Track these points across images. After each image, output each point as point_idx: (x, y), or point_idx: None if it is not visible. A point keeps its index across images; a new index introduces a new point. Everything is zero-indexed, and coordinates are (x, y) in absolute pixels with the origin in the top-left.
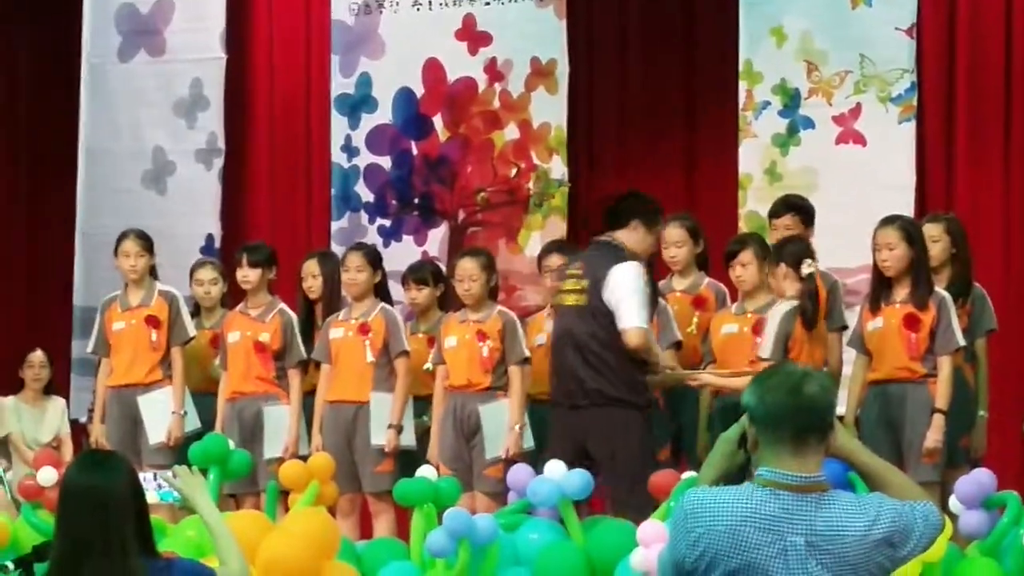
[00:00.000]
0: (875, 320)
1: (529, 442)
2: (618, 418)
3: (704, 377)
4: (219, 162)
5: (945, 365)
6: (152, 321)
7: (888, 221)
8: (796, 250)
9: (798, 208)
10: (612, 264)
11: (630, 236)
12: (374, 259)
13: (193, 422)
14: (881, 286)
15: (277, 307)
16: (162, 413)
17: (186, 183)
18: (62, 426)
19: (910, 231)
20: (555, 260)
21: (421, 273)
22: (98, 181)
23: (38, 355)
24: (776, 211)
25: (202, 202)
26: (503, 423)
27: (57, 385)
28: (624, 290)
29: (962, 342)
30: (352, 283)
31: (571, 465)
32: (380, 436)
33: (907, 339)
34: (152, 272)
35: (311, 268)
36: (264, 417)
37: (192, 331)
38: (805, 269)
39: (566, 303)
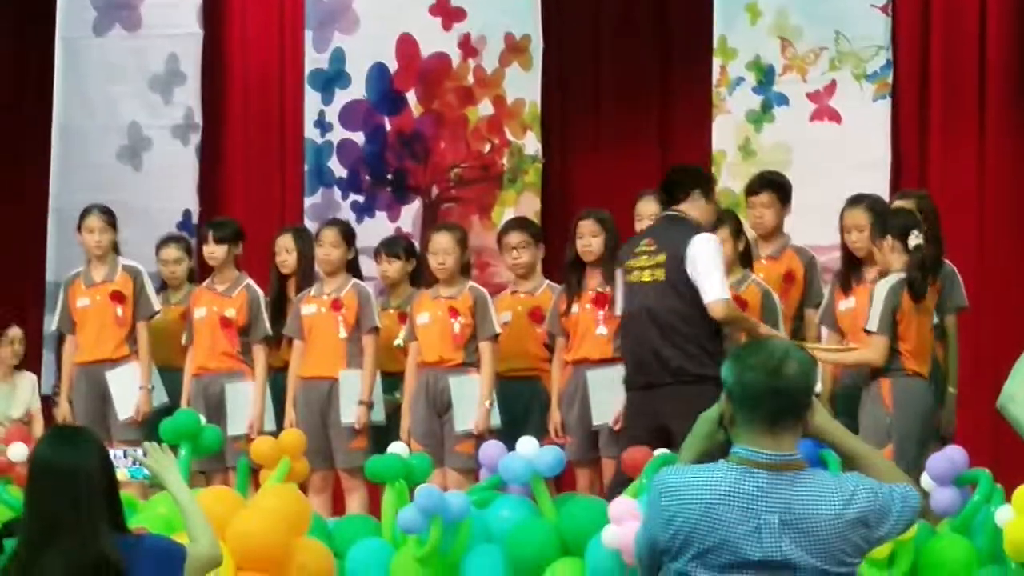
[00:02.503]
0: (847, 300)
1: (496, 419)
2: (703, 395)
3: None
4: (196, 138)
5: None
6: (117, 296)
7: (856, 201)
8: (903, 222)
9: (776, 185)
10: (687, 236)
11: (692, 207)
12: (348, 235)
13: (160, 397)
14: (851, 265)
15: (244, 283)
16: (130, 388)
17: (162, 159)
18: (33, 401)
19: (878, 210)
20: (515, 238)
21: (394, 247)
22: (73, 157)
23: (16, 331)
24: (753, 188)
25: (179, 178)
26: (472, 397)
27: (28, 360)
28: (704, 262)
29: (872, 328)
30: (326, 259)
31: (649, 446)
32: (350, 414)
33: None
34: (115, 248)
35: (285, 243)
36: (227, 393)
37: (157, 305)
38: (913, 240)
39: (643, 280)
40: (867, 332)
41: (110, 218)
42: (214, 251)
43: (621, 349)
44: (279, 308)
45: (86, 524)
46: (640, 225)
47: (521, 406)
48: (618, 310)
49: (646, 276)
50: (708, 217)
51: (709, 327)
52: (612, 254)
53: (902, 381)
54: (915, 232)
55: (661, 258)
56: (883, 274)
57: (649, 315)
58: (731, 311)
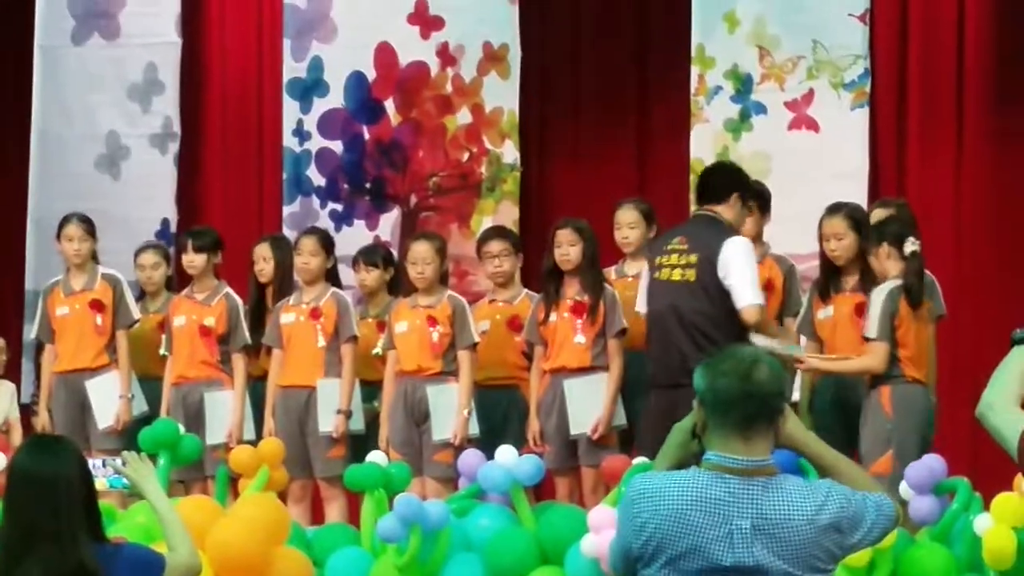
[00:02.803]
0: (825, 308)
1: (474, 428)
2: None
3: (811, 362)
4: (174, 147)
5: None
6: (96, 305)
7: (834, 210)
8: (898, 229)
9: (755, 194)
10: (721, 239)
11: (728, 210)
12: (327, 244)
13: (140, 406)
14: (830, 274)
15: (223, 291)
16: (110, 397)
17: (141, 168)
18: (11, 411)
19: (857, 219)
20: (495, 246)
21: (372, 255)
22: (51, 166)
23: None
24: None
25: (157, 187)
26: (450, 406)
27: (8, 369)
28: (738, 267)
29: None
30: (305, 268)
31: None
32: (328, 423)
33: (859, 327)
34: (94, 257)
35: (263, 252)
36: (206, 402)
37: (137, 314)
38: (909, 247)
39: (672, 279)
40: (866, 339)
41: (89, 227)
42: (193, 260)
43: (646, 347)
44: (258, 317)
45: (65, 533)
46: (620, 234)
47: (500, 415)
48: (640, 307)
49: (676, 275)
50: (740, 223)
51: (735, 331)
52: (590, 263)
53: (902, 388)
54: (911, 239)
55: (693, 258)
56: (876, 282)
57: (676, 315)
58: (762, 318)
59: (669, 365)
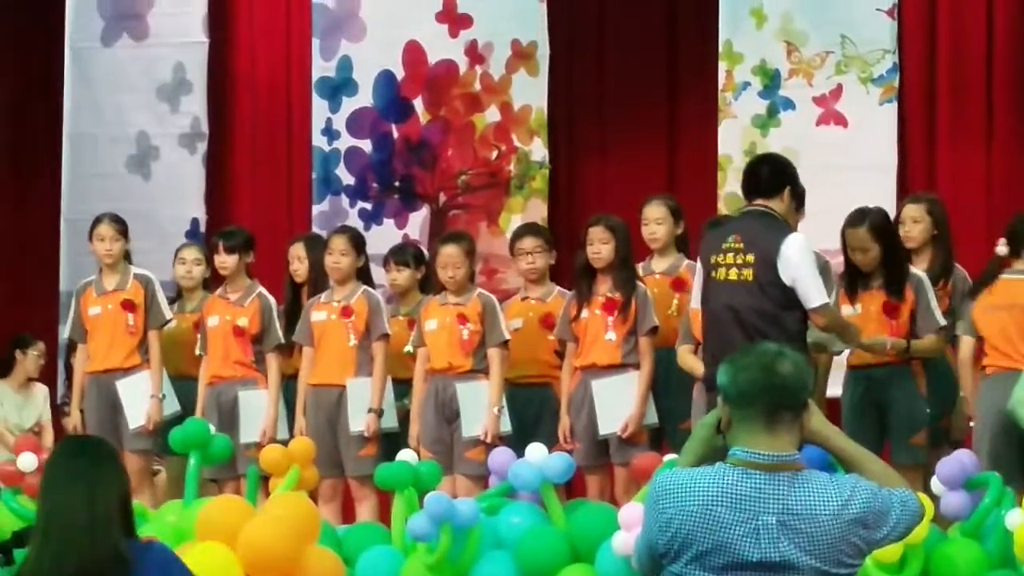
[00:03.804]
0: (853, 307)
1: (506, 426)
2: None
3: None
4: (203, 146)
5: (931, 338)
6: (128, 305)
7: (857, 222)
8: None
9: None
10: (779, 237)
11: (781, 204)
12: (358, 243)
13: (172, 406)
14: (854, 277)
15: (256, 291)
16: (141, 397)
17: (170, 168)
18: (44, 412)
19: (880, 228)
20: (528, 243)
21: (403, 255)
22: (82, 166)
23: (41, 345)
24: None
25: (186, 186)
26: (480, 403)
27: (42, 370)
28: (805, 266)
29: (943, 322)
30: (336, 266)
31: None
32: (359, 422)
33: (888, 325)
34: (127, 256)
35: (297, 251)
36: (240, 401)
37: (168, 314)
38: (1000, 249)
39: (729, 279)
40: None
41: (121, 226)
42: (225, 261)
43: (703, 346)
44: (293, 316)
45: (100, 525)
46: (647, 230)
47: (532, 413)
48: (695, 302)
49: (732, 275)
50: (793, 219)
51: (793, 330)
52: (622, 260)
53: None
54: (1001, 240)
55: (750, 258)
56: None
57: (734, 315)
58: (833, 317)
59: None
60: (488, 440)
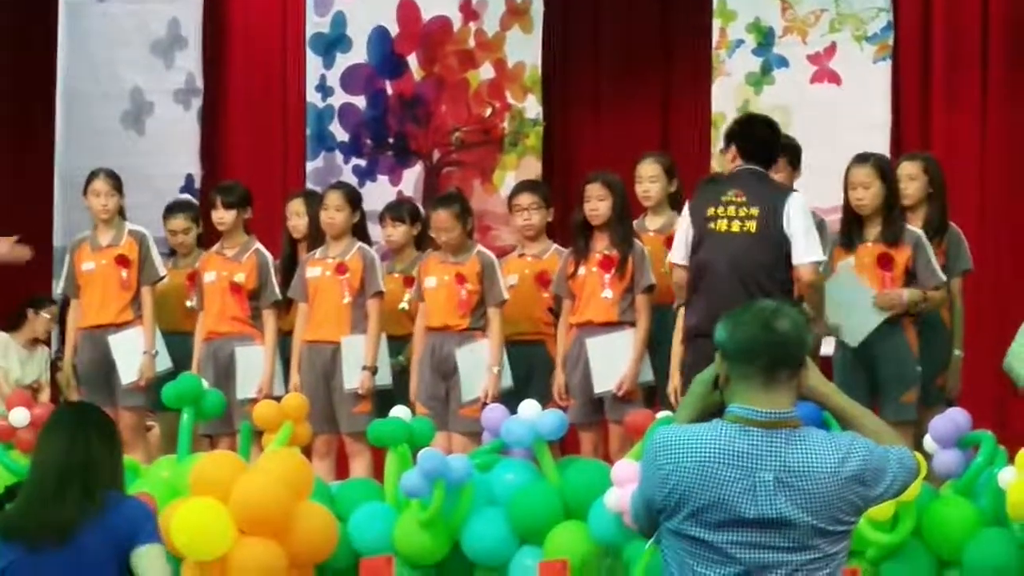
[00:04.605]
0: (848, 259)
1: (507, 381)
2: None
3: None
4: (197, 102)
5: (933, 294)
6: (122, 261)
7: (862, 159)
8: None
9: (786, 148)
10: (783, 194)
11: (777, 173)
12: (353, 198)
13: (164, 362)
14: (852, 225)
15: (253, 247)
16: (134, 353)
17: (165, 124)
18: (44, 372)
19: (884, 169)
20: (525, 199)
21: (399, 211)
22: (77, 122)
23: (53, 309)
24: None
25: (181, 142)
26: (479, 365)
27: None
28: (805, 222)
29: (943, 278)
30: (330, 222)
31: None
32: (353, 379)
33: (881, 278)
34: (121, 212)
35: (296, 207)
36: (237, 357)
37: (162, 271)
38: None
39: (732, 230)
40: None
41: (116, 182)
42: (223, 216)
43: (696, 297)
44: (289, 272)
45: (68, 480)
46: (640, 188)
47: (525, 370)
48: (678, 258)
49: (735, 227)
50: (791, 178)
51: (785, 285)
52: (620, 217)
53: None
54: None
55: (754, 211)
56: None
57: (732, 265)
58: (819, 277)
59: (720, 316)
60: (488, 401)
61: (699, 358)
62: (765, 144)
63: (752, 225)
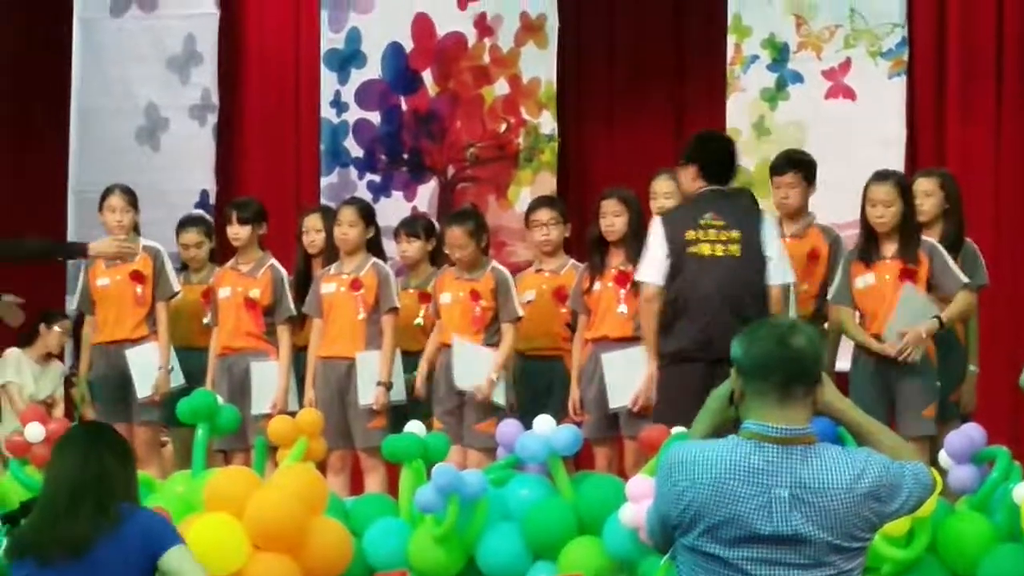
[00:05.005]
0: (866, 275)
1: (500, 397)
2: None
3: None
4: (213, 118)
5: (959, 297)
6: (137, 276)
7: (883, 177)
8: None
9: (801, 164)
10: (758, 214)
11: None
12: (367, 214)
13: (177, 379)
14: (870, 241)
15: (267, 263)
16: (150, 368)
17: (179, 139)
18: (58, 387)
19: (904, 186)
20: (544, 215)
21: (414, 226)
22: (91, 138)
23: (66, 323)
24: (778, 167)
25: (196, 158)
26: (476, 361)
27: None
28: (778, 243)
29: (965, 278)
30: (344, 238)
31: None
32: (368, 395)
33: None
34: (135, 228)
35: (314, 223)
36: (252, 372)
37: (177, 286)
38: None
39: (716, 254)
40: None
41: (131, 198)
42: (239, 232)
43: (681, 322)
44: (303, 288)
45: (81, 495)
46: (655, 204)
47: (543, 385)
48: (653, 277)
49: (718, 251)
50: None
51: (765, 307)
52: (635, 233)
53: None
54: None
55: (735, 234)
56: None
57: (721, 290)
58: (787, 301)
59: (714, 341)
60: (480, 397)
61: (683, 382)
62: (726, 162)
63: (736, 249)
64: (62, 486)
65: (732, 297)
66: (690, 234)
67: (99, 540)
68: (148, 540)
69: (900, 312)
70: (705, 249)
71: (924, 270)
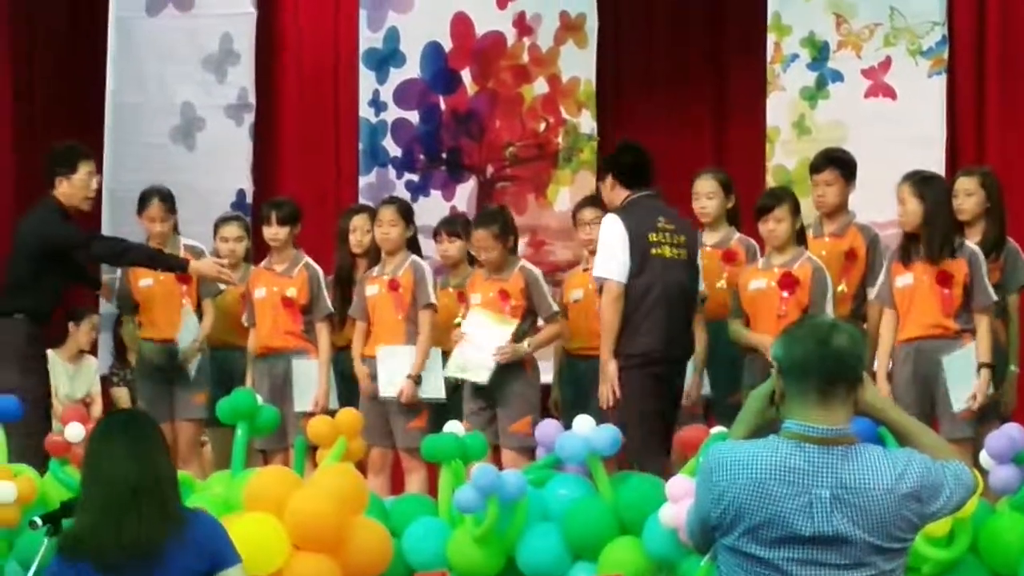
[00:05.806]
0: (905, 276)
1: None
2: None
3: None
4: (249, 117)
5: (982, 321)
6: (181, 276)
7: (904, 178)
8: None
9: (840, 162)
10: (690, 223)
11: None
12: (406, 213)
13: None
14: (911, 240)
15: (302, 261)
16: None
17: (216, 139)
18: (95, 384)
19: (918, 183)
20: (589, 214)
21: (453, 226)
22: (126, 137)
23: (95, 318)
24: (817, 166)
25: (233, 158)
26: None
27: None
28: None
29: (994, 297)
30: (385, 237)
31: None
32: (389, 387)
33: (940, 295)
34: (175, 228)
35: (362, 223)
36: (293, 370)
37: (220, 284)
38: None
39: (676, 256)
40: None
41: (170, 204)
42: (277, 233)
43: (648, 322)
44: (345, 286)
45: (146, 496)
46: (698, 204)
47: (588, 384)
48: (615, 274)
49: (673, 253)
50: None
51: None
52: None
53: None
54: None
55: (682, 239)
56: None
57: (680, 291)
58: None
59: (678, 339)
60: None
61: (655, 384)
62: (639, 169)
63: (683, 253)
64: (118, 484)
65: (688, 299)
66: (653, 236)
67: (167, 543)
68: (213, 551)
69: (951, 383)
70: (667, 251)
71: (962, 273)
